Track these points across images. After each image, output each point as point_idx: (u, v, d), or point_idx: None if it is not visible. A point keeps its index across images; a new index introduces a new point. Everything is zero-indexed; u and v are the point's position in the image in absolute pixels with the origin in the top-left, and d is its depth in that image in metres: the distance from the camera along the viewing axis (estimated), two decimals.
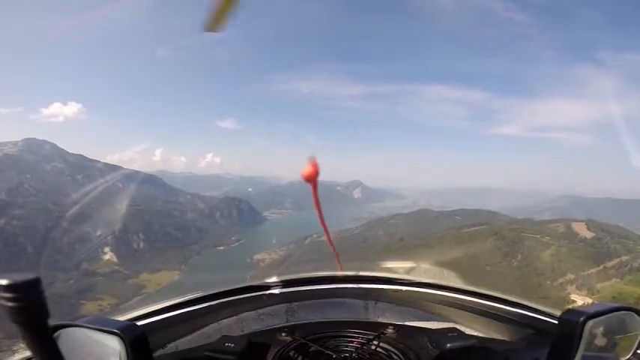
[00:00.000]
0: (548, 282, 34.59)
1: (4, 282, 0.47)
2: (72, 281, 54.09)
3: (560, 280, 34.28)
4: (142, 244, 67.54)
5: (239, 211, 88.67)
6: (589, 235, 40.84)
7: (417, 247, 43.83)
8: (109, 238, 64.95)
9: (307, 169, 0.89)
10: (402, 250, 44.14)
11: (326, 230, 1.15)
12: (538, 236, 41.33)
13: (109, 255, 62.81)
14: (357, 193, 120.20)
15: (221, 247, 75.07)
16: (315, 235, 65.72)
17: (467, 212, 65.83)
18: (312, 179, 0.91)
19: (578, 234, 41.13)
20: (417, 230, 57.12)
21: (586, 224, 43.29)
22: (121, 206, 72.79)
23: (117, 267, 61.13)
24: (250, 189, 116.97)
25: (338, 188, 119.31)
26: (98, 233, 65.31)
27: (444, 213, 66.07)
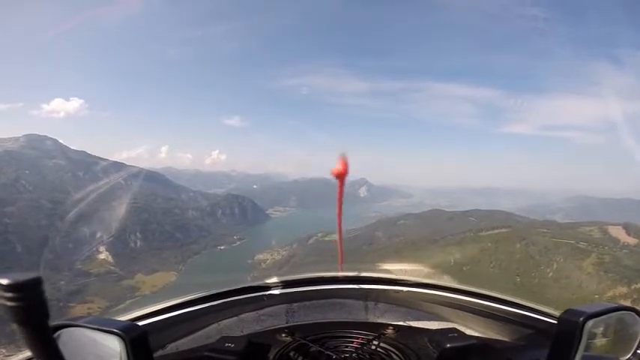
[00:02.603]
0: (596, 296, 28.29)
1: (4, 281, 0.46)
2: (63, 282, 49.96)
3: (610, 293, 27.91)
4: (139, 244, 63.01)
5: (242, 209, 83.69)
6: (631, 240, 34.52)
7: (431, 252, 37.77)
8: (105, 237, 60.44)
9: (338, 167, 0.92)
10: (414, 255, 38.24)
11: (340, 230, 1.18)
12: (572, 242, 35.04)
13: (104, 254, 58.40)
14: (362, 192, 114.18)
15: (222, 247, 70.23)
16: (319, 235, 60.89)
17: (480, 213, 59.72)
18: (341, 177, 0.94)
19: (619, 239, 34.80)
20: (429, 232, 51.09)
21: (624, 228, 36.91)
22: (121, 204, 68.50)
23: (112, 267, 56.71)
24: (255, 186, 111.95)
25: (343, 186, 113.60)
26: (95, 232, 60.84)
27: (456, 213, 59.85)
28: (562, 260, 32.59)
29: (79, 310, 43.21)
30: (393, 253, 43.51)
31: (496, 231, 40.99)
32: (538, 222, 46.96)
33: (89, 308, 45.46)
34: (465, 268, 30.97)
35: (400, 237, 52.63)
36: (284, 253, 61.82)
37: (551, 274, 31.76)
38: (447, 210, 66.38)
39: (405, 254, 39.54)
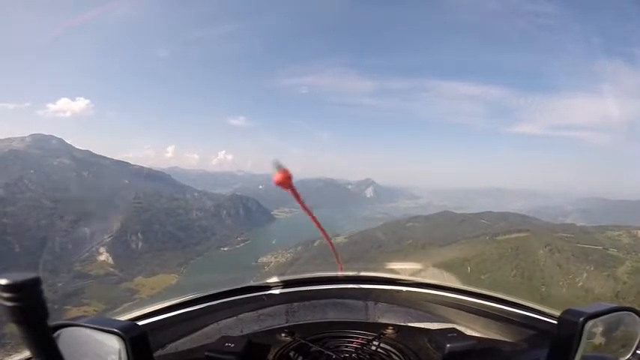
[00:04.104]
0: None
1: (3, 282, 0.45)
2: (60, 284, 47.84)
3: None
4: (140, 245, 60.65)
5: (246, 209, 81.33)
6: None
7: (444, 258, 34.53)
8: (105, 237, 58.22)
9: (277, 176, 0.80)
10: (425, 261, 34.86)
11: (323, 231, 1.15)
12: (601, 247, 31.49)
13: (104, 256, 56.14)
14: (369, 192, 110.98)
15: (225, 248, 67.75)
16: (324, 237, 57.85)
17: (493, 215, 56.15)
18: (284, 184, 0.83)
19: None
20: (441, 236, 47.77)
21: None
22: (123, 204, 66.48)
23: (111, 269, 54.44)
24: (261, 186, 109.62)
25: (349, 187, 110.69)
26: (95, 233, 58.69)
27: (468, 216, 56.31)
28: (592, 268, 28.94)
29: (74, 313, 40.79)
30: (403, 257, 40.43)
31: (514, 235, 37.54)
32: (557, 225, 43.41)
33: (85, 311, 42.93)
34: (483, 277, 27.75)
35: (409, 240, 49.33)
36: (288, 255, 59.25)
37: (581, 283, 28.11)
38: (457, 212, 62.80)
39: (415, 259, 36.33)
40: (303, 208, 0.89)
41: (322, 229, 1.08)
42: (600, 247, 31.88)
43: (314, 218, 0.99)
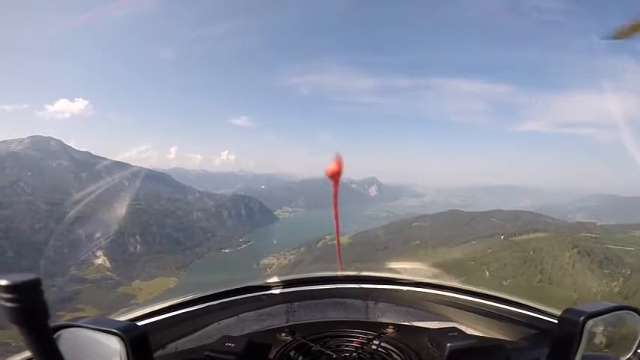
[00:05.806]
0: None
1: (4, 282, 0.45)
2: (54, 288, 45.31)
3: None
4: (139, 247, 58.14)
5: (248, 209, 78.54)
6: None
7: (456, 261, 31.31)
8: (102, 240, 55.64)
9: (332, 166, 0.90)
10: (436, 264, 31.77)
11: (337, 231, 1.17)
12: (632, 249, 28.19)
13: (101, 259, 53.70)
14: (373, 191, 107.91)
15: (226, 250, 65.19)
16: (328, 237, 55.13)
17: (503, 214, 52.80)
18: (335, 176, 0.92)
19: None
20: (450, 235, 44.58)
21: None
22: (122, 206, 63.92)
23: (108, 273, 51.97)
24: (263, 186, 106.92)
25: (353, 186, 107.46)
26: (92, 236, 56.14)
27: (477, 214, 52.96)
28: (629, 272, 25.79)
29: (67, 318, 38.15)
30: (410, 258, 37.30)
31: (532, 235, 34.30)
32: (576, 224, 40.08)
33: (78, 318, 40.33)
34: (505, 283, 24.63)
35: (417, 241, 46.20)
36: (291, 257, 56.64)
37: (617, 289, 24.84)
38: (465, 210, 59.44)
39: (424, 262, 33.14)
40: (334, 205, 0.90)
41: (337, 231, 1.09)
42: (632, 249, 28.61)
43: (336, 217, 0.99)
